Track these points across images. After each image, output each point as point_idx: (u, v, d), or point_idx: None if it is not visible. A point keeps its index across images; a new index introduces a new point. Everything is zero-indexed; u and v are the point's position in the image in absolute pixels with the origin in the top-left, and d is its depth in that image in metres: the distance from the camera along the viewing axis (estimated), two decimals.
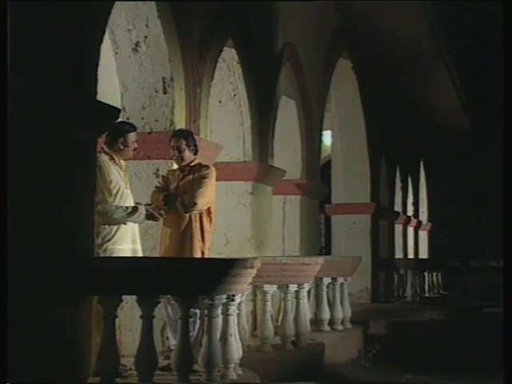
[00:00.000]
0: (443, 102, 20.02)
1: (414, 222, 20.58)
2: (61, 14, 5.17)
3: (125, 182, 6.53)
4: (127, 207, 6.38)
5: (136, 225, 6.54)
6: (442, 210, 24.66)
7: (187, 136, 6.96)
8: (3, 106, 4.62)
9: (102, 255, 6.24)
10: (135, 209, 6.41)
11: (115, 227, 6.35)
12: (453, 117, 21.90)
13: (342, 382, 9.00)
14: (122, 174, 6.52)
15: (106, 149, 6.50)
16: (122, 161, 6.58)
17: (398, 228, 18.45)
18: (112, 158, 6.48)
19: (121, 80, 7.71)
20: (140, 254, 6.58)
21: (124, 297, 5.81)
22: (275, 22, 10.59)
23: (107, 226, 6.32)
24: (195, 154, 6.96)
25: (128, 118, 7.47)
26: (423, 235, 22.78)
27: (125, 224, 6.40)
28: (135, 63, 7.66)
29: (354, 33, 14.08)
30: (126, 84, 7.71)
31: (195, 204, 6.68)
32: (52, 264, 5.08)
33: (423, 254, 22.48)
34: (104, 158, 6.43)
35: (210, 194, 6.80)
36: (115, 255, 6.29)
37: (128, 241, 6.45)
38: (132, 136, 6.56)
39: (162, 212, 6.60)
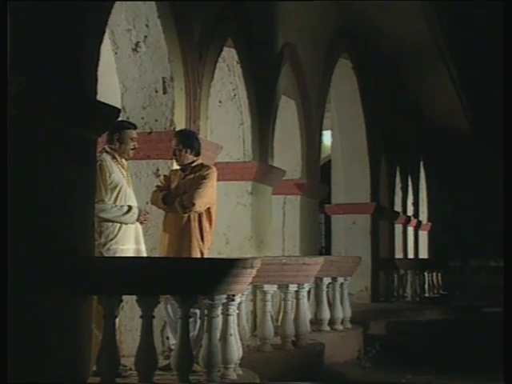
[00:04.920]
0: (443, 103, 20.03)
1: (413, 222, 20.57)
2: (61, 14, 5.17)
3: (127, 181, 6.55)
4: (122, 206, 6.39)
5: (139, 225, 6.55)
6: (441, 210, 24.66)
7: (184, 138, 6.94)
8: (3, 106, 4.62)
9: (105, 254, 6.25)
10: (130, 209, 6.42)
11: (118, 226, 6.37)
12: (453, 117, 21.91)
13: (342, 382, 8.99)
14: (124, 173, 6.54)
15: (107, 148, 6.52)
16: (123, 160, 6.60)
17: (398, 228, 18.44)
18: (114, 158, 6.50)
19: (121, 80, 7.71)
20: (144, 255, 6.59)
21: (124, 297, 5.82)
22: (275, 22, 10.59)
23: (110, 225, 6.34)
24: (196, 155, 6.94)
25: (128, 118, 7.47)
26: (423, 235, 22.78)
27: (125, 224, 6.42)
28: (135, 63, 7.67)
29: (354, 33, 14.08)
30: (126, 84, 7.72)
31: (193, 204, 6.67)
32: (52, 264, 5.08)
33: (423, 254, 22.48)
34: (106, 157, 6.45)
35: (209, 195, 6.79)
36: (118, 255, 6.30)
37: (131, 241, 6.46)
38: (129, 133, 6.56)
39: (148, 217, 6.58)
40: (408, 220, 19.46)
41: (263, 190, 10.13)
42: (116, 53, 7.65)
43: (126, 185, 6.52)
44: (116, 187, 6.42)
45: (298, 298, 8.63)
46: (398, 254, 18.04)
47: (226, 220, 9.38)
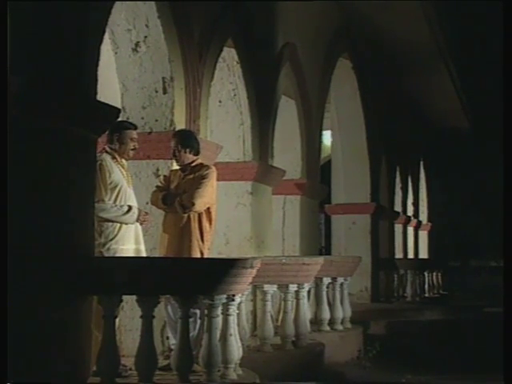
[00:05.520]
0: (443, 102, 20.02)
1: (413, 222, 20.58)
2: (61, 14, 5.17)
3: (127, 180, 6.55)
4: (122, 206, 6.40)
5: (139, 225, 6.55)
6: (441, 210, 24.66)
7: (183, 138, 6.94)
8: (3, 106, 4.62)
9: (105, 254, 6.25)
10: (130, 208, 6.43)
11: (118, 226, 6.37)
12: (453, 117, 21.90)
13: (342, 382, 8.99)
14: (124, 173, 6.54)
15: (107, 148, 6.52)
16: (124, 160, 6.60)
17: (398, 228, 18.44)
18: (114, 158, 6.51)
19: (121, 80, 7.71)
20: (144, 255, 6.59)
21: (124, 297, 5.82)
22: (275, 22, 10.59)
23: (110, 225, 6.34)
24: (196, 154, 6.94)
25: (128, 118, 7.47)
26: (423, 235, 22.78)
27: (125, 224, 6.43)
28: (135, 63, 7.67)
29: (354, 33, 14.08)
30: (126, 84, 7.72)
31: (193, 204, 6.67)
32: (52, 264, 5.08)
33: (423, 254, 22.48)
34: (106, 157, 6.46)
35: (208, 195, 6.79)
36: (118, 255, 6.30)
37: (131, 241, 6.46)
38: (129, 133, 6.56)
39: (147, 217, 6.59)
40: (408, 220, 19.47)
41: (263, 190, 10.13)
42: (116, 53, 7.65)
43: (126, 185, 6.52)
44: (116, 187, 6.43)
45: (298, 298, 8.63)
46: (398, 254, 18.04)
47: (225, 220, 9.38)
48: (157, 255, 6.92)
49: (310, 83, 11.86)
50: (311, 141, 12.10)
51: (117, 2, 6.35)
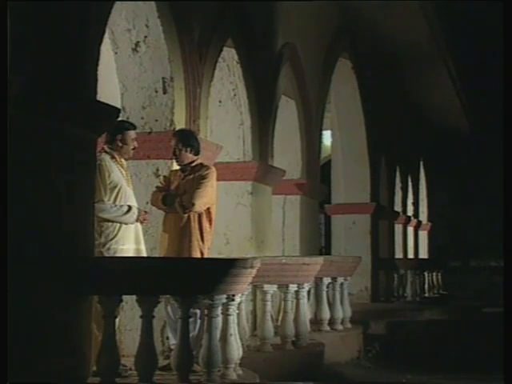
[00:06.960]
0: (443, 102, 20.02)
1: (413, 222, 20.58)
2: (61, 14, 5.17)
3: (127, 180, 6.56)
4: (121, 206, 6.40)
5: (139, 225, 6.55)
6: (442, 210, 24.66)
7: (184, 137, 6.95)
8: (3, 106, 4.62)
9: (105, 254, 6.26)
10: (129, 208, 6.43)
11: (117, 226, 6.37)
12: (453, 117, 21.90)
13: (342, 382, 8.99)
14: (123, 172, 6.55)
15: (106, 148, 6.53)
16: (123, 160, 6.60)
17: (398, 228, 18.44)
18: (113, 157, 6.51)
19: (121, 80, 7.71)
20: (144, 255, 6.59)
21: (124, 297, 5.82)
22: (275, 22, 10.59)
23: (110, 225, 6.34)
24: (196, 154, 6.95)
25: (128, 118, 7.47)
26: (423, 235, 22.78)
27: (125, 224, 6.43)
28: (135, 63, 7.67)
29: (354, 33, 14.09)
30: (126, 84, 7.72)
31: (193, 205, 6.68)
32: (52, 264, 5.08)
33: (423, 254, 22.47)
34: (105, 157, 6.46)
35: (208, 195, 6.79)
36: (118, 255, 6.30)
37: (131, 241, 6.46)
38: (131, 134, 6.58)
39: (146, 217, 6.59)
40: (408, 220, 19.46)
41: (263, 190, 10.13)
42: (116, 53, 7.65)
43: (126, 184, 6.53)
44: (115, 187, 6.43)
45: (298, 298, 8.63)
46: (398, 254, 18.04)
47: (225, 220, 9.38)
48: (157, 255, 6.92)
49: (309, 83, 11.86)
50: (311, 141, 12.10)
51: (117, 2, 6.35)
